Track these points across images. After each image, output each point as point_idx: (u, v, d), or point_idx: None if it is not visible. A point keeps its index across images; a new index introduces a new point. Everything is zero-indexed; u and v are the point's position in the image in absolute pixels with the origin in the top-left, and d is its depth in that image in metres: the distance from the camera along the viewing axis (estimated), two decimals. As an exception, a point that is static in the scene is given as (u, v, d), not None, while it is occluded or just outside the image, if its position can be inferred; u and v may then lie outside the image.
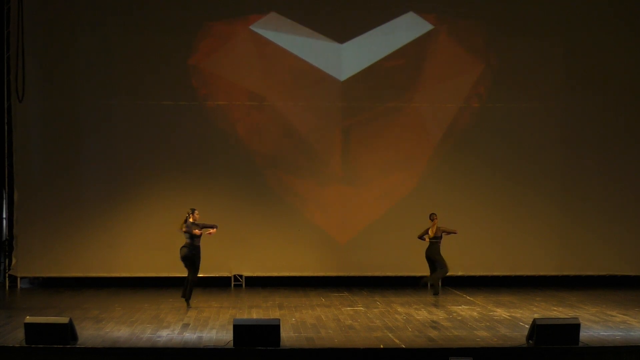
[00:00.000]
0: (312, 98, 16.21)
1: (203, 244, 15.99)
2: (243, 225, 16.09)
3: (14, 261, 15.96)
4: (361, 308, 13.44)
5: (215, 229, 13.65)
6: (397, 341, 10.63)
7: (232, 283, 16.18)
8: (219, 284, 16.03)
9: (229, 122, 16.13)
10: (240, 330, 10.13)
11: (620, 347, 10.36)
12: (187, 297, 13.61)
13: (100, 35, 15.98)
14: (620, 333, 11.20)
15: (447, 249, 16.21)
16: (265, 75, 16.17)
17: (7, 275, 16.02)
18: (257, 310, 13.33)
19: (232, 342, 10.18)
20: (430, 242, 14.72)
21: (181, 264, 15.96)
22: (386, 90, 16.27)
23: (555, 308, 13.51)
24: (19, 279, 16.02)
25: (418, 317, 12.50)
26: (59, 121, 15.99)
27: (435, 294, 14.79)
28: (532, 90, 16.40)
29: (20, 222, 15.96)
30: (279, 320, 10.35)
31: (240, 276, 16.21)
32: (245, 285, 16.13)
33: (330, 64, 16.21)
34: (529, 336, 10.52)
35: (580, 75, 16.45)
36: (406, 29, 16.30)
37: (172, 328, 11.56)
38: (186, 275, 14.83)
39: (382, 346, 10.35)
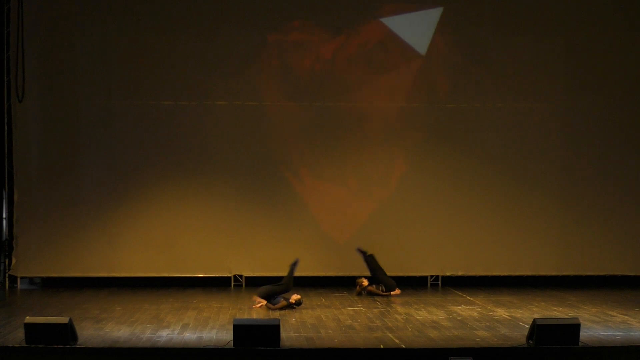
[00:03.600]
0: (312, 98, 16.21)
1: (202, 242, 16.04)
2: (243, 225, 16.09)
3: (14, 261, 15.95)
4: (361, 308, 13.45)
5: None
6: (397, 341, 10.63)
7: (232, 283, 16.17)
8: (219, 284, 16.03)
9: (229, 122, 16.12)
10: (240, 330, 10.14)
11: (620, 347, 10.37)
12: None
13: (100, 35, 15.96)
14: (620, 333, 11.21)
15: (448, 249, 16.26)
16: (265, 75, 16.16)
17: (7, 275, 16.02)
18: (257, 310, 13.32)
19: (232, 342, 10.19)
20: None
21: (181, 264, 16.06)
22: (386, 90, 16.26)
23: (555, 308, 13.52)
24: (19, 279, 16.01)
25: (418, 317, 12.50)
26: (59, 121, 15.98)
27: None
28: (533, 90, 16.39)
29: (20, 222, 15.94)
30: (279, 320, 10.36)
31: (240, 276, 16.20)
32: (245, 285, 16.12)
33: (339, 64, 16.23)
34: (529, 336, 10.53)
35: (580, 75, 16.44)
36: (405, 28, 16.29)
37: (172, 328, 11.56)
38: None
39: (382, 346, 10.36)
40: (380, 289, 14.86)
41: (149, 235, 16.02)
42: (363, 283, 14.94)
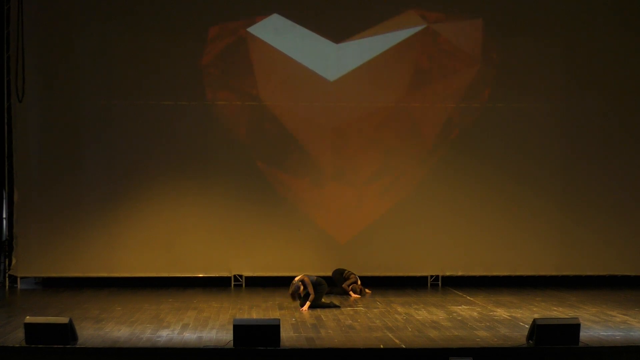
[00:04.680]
0: (313, 98, 16.20)
1: (203, 242, 16.04)
2: (243, 225, 16.09)
3: (14, 261, 15.95)
4: (361, 308, 13.44)
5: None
6: (397, 341, 10.63)
7: (232, 283, 16.17)
8: (219, 284, 16.04)
9: (229, 122, 16.13)
10: (240, 330, 10.14)
11: (620, 347, 10.37)
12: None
13: (100, 35, 15.96)
14: (620, 333, 11.21)
15: (448, 249, 16.25)
16: (265, 75, 16.16)
17: (7, 275, 16.02)
18: (257, 310, 13.33)
19: (232, 342, 10.19)
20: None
21: (181, 264, 16.06)
22: (386, 90, 16.26)
23: (555, 308, 13.52)
24: (19, 279, 16.01)
25: (418, 317, 12.50)
26: (59, 121, 15.98)
27: None
28: (533, 90, 16.40)
29: (20, 222, 15.94)
30: (279, 320, 10.36)
31: (240, 276, 16.20)
32: (245, 285, 16.13)
33: (329, 63, 16.21)
34: (529, 336, 10.53)
35: (580, 75, 16.45)
36: (405, 28, 16.30)
37: (172, 328, 11.56)
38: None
39: (382, 346, 10.36)
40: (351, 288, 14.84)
41: (149, 235, 16.02)
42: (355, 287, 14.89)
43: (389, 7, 16.24)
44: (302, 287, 13.23)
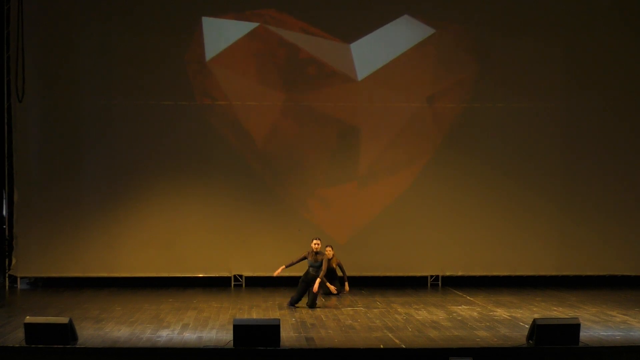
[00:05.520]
0: (313, 98, 16.20)
1: (203, 242, 16.04)
2: (243, 225, 16.09)
3: (14, 261, 15.95)
4: (361, 308, 13.45)
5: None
6: (397, 341, 10.64)
7: (232, 283, 16.18)
8: (219, 284, 16.04)
9: (229, 122, 16.13)
10: (240, 330, 10.14)
11: (620, 347, 10.38)
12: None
13: (100, 35, 15.96)
14: (620, 333, 11.21)
15: (448, 249, 16.26)
16: (265, 74, 16.16)
17: (7, 275, 16.02)
18: (257, 310, 13.33)
19: (232, 342, 10.19)
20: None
21: (181, 264, 16.05)
22: (385, 90, 16.26)
23: (555, 308, 13.52)
24: (19, 279, 16.01)
25: (418, 317, 12.51)
26: (59, 121, 15.98)
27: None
28: (532, 90, 16.40)
29: (20, 222, 15.94)
30: (279, 320, 10.36)
31: (240, 276, 16.21)
32: (245, 285, 16.13)
33: (334, 64, 16.21)
34: (529, 336, 10.53)
35: (580, 75, 16.45)
36: (406, 30, 16.29)
37: (172, 328, 11.57)
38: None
39: (382, 346, 10.36)
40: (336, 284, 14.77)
41: (149, 235, 16.02)
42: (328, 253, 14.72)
43: (389, 7, 16.25)
44: (318, 246, 13.48)
